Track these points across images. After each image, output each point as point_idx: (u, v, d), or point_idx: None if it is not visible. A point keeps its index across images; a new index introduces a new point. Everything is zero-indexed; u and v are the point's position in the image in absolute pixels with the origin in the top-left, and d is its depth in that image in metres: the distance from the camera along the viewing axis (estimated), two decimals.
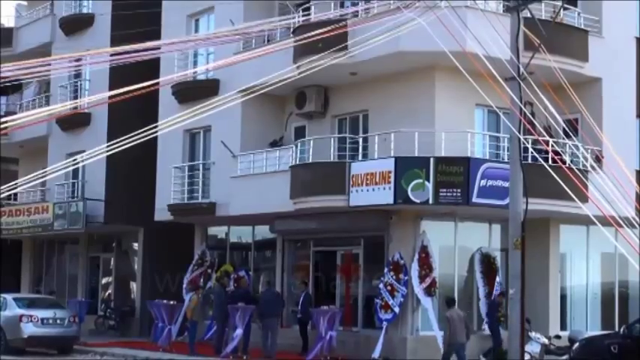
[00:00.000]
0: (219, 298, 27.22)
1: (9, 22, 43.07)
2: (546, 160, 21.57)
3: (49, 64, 18.59)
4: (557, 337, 24.23)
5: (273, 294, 27.40)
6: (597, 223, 18.42)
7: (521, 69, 20.41)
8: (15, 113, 33.71)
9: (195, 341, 27.35)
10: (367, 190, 24.53)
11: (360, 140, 26.31)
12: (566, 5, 24.31)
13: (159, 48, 20.92)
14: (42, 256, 40.83)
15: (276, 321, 26.43)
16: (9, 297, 30.47)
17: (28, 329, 28.19)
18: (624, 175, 18.97)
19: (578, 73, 25.14)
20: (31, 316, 28.41)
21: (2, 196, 14.29)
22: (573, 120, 23.87)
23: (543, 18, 23.27)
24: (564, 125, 21.10)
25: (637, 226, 17.54)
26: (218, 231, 32.13)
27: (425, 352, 24.90)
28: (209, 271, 30.90)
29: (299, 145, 26.90)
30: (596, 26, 26.84)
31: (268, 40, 26.93)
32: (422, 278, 24.95)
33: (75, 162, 19.89)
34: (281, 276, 28.96)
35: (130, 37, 23.80)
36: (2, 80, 18.18)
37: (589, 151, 23.79)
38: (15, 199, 37.42)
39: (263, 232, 30.07)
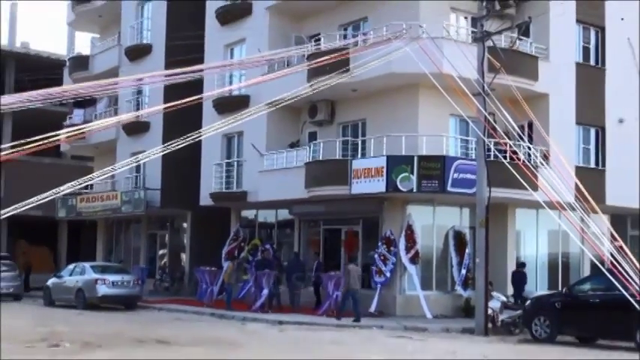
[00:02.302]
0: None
1: (86, 51, 43.16)
2: (505, 157, 21.56)
3: (117, 84, 18.64)
4: (514, 295, 24.21)
5: (298, 261, 27.53)
6: (545, 206, 18.42)
7: (486, 86, 20.41)
8: (91, 122, 33.79)
9: (231, 299, 27.42)
10: (365, 182, 24.52)
11: (360, 142, 26.33)
12: (520, 36, 24.27)
13: (202, 70, 20.96)
14: (112, 233, 40.97)
15: (300, 282, 26.70)
16: (87, 265, 30.76)
17: (102, 290, 28.40)
18: (566, 169, 18.98)
19: (530, 90, 25.07)
20: (104, 279, 28.61)
21: (81, 186, 14.35)
22: (526, 126, 23.82)
23: (503, 46, 23.22)
24: (519, 130, 21.02)
25: (576, 209, 17.52)
26: (249, 213, 32.12)
27: (410, 308, 24.96)
28: (242, 244, 30.92)
29: (312, 146, 26.91)
30: (544, 52, 26.78)
31: (287, 64, 26.90)
32: (408, 250, 24.96)
33: (137, 160, 19.85)
34: (298, 248, 28.98)
35: (180, 62, 23.89)
36: (81, 96, 18.28)
37: (538, 150, 23.75)
38: (91, 189, 37.56)
39: (284, 214, 30.05)
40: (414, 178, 23.68)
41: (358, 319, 22.94)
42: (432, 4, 25.12)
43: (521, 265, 25.91)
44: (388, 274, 25.03)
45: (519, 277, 25.24)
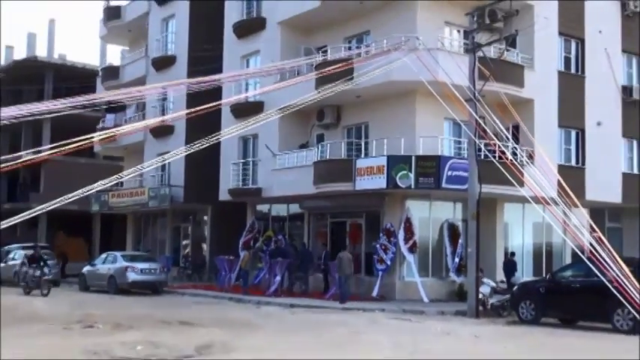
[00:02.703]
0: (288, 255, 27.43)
1: (116, 61, 43.29)
2: (494, 157, 21.49)
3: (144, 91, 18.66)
4: (502, 281, 24.14)
5: (307, 251, 27.51)
6: (531, 201, 18.33)
7: (476, 93, 20.33)
8: (121, 125, 33.82)
9: (247, 285, 27.43)
10: (367, 179, 24.50)
11: (363, 143, 26.32)
12: (508, 47, 24.21)
13: (221, 79, 20.94)
14: (140, 225, 41.00)
15: (309, 270, 26.79)
16: (118, 254, 30.83)
17: (132, 276, 28.47)
18: (549, 167, 18.90)
19: (517, 96, 24.99)
20: (133, 267, 28.68)
21: (113, 183, 14.36)
22: (513, 128, 23.74)
23: (492, 57, 23.15)
24: (507, 132, 20.94)
25: (558, 203, 17.45)
26: (263, 207, 32.11)
27: (408, 292, 24.92)
28: (257, 235, 30.93)
29: (319, 147, 26.93)
30: (529, 62, 26.72)
31: (297, 73, 26.85)
32: (406, 240, 24.93)
33: (163, 159, 19.85)
34: (307, 239, 28.96)
35: (201, 71, 23.88)
36: (113, 102, 18.29)
37: (524, 150, 23.66)
38: (121, 186, 37.60)
39: (294, 208, 30.02)
40: (411, 175, 23.67)
41: (344, 301, 23.25)
42: (427, 19, 25.09)
43: (511, 254, 25.93)
44: (389, 262, 25.00)
45: (510, 265, 25.23)
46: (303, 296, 25.53)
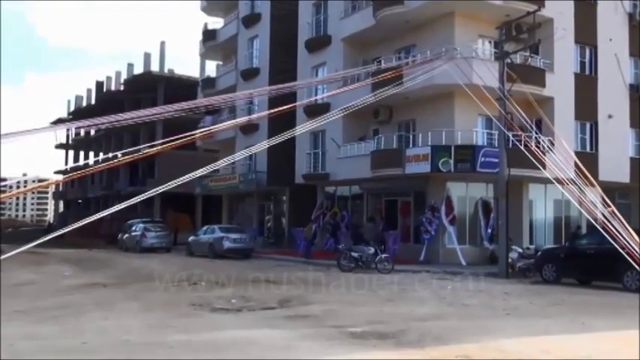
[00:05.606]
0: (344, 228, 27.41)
1: (213, 74, 43.78)
2: (520, 145, 20.95)
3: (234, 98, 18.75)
4: (528, 248, 23.57)
5: (375, 224, 26.92)
6: (553, 181, 17.76)
7: (505, 93, 19.81)
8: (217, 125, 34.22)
9: (310, 251, 27.36)
10: (415, 164, 24.29)
11: (411, 136, 26.05)
12: (531, 54, 23.58)
13: (295, 85, 20.91)
14: (233, 203, 41.54)
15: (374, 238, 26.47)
16: (216, 226, 31.34)
17: (227, 244, 28.87)
18: (567, 153, 18.26)
19: (539, 94, 24.29)
20: (228, 237, 29.08)
21: (211, 171, 14.48)
22: (537, 122, 23.08)
23: (518, 62, 22.50)
24: (531, 124, 20.36)
25: (576, 183, 16.85)
26: (330, 189, 32.12)
27: (449, 257, 24.58)
28: (325, 211, 30.94)
29: (375, 139, 26.77)
30: (550, 66, 25.94)
31: (357, 80, 26.68)
32: (447, 214, 24.63)
33: (250, 151, 20.00)
34: (366, 215, 28.82)
35: (280, 79, 23.94)
36: (210, 106, 18.45)
37: (546, 139, 22.95)
38: (218, 173, 38.14)
39: (355, 189, 29.95)
40: (451, 161, 23.34)
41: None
42: (464, 33, 24.61)
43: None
44: (433, 233, 24.73)
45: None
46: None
